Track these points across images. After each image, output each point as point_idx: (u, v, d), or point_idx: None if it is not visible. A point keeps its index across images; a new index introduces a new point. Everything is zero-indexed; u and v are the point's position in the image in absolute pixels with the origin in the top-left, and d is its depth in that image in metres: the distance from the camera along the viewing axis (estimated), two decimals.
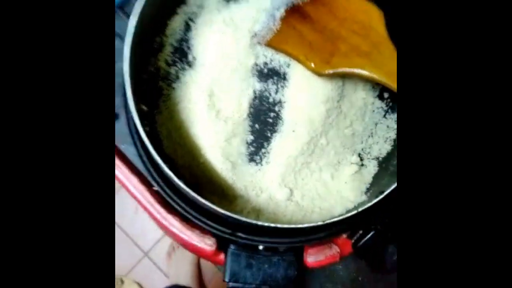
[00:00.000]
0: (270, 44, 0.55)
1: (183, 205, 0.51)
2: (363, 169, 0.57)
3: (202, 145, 0.55)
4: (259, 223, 0.44)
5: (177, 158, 0.55)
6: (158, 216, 0.53)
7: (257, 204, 0.54)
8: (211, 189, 0.55)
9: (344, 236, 0.54)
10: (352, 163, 0.57)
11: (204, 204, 0.44)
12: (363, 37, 0.49)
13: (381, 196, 0.45)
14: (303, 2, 0.52)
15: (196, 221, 0.51)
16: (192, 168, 0.55)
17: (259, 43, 0.56)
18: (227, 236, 0.50)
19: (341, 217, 0.44)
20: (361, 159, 0.56)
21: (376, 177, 0.56)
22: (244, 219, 0.44)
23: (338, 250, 0.54)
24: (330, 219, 0.45)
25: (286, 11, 0.53)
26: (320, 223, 0.44)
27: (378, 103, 0.58)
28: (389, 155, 0.57)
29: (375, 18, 0.47)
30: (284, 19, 0.53)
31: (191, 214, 0.51)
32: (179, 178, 0.54)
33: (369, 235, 0.51)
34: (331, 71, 0.50)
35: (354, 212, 0.45)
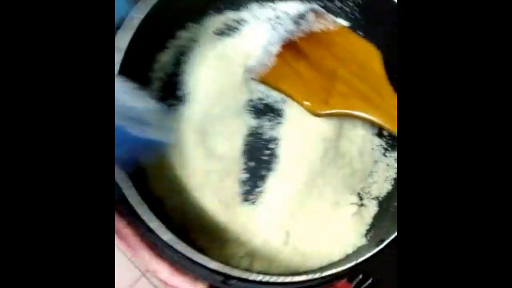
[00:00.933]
0: (264, 81, 0.53)
1: (171, 252, 0.48)
2: (362, 209, 0.54)
3: (192, 185, 0.52)
4: (250, 277, 0.41)
5: (166, 200, 0.52)
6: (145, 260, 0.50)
7: (251, 248, 0.51)
8: (202, 232, 0.52)
9: (344, 280, 0.51)
10: (351, 203, 0.54)
11: (192, 256, 0.41)
12: (362, 78, 0.47)
13: (382, 246, 0.42)
14: (300, 38, 0.50)
15: (186, 270, 0.48)
16: (181, 209, 0.52)
17: (253, 78, 0.54)
18: (219, 285, 0.47)
19: (339, 268, 0.41)
20: (361, 199, 0.54)
21: (376, 218, 0.54)
22: (234, 273, 0.41)
23: None
24: (328, 269, 0.42)
25: (282, 47, 0.51)
26: (317, 275, 0.41)
27: (378, 140, 0.56)
28: (389, 194, 0.55)
29: (374, 59, 0.46)
30: (279, 55, 0.52)
31: (180, 262, 0.48)
32: (167, 221, 0.51)
33: (370, 280, 0.48)
34: (327, 112, 0.48)
35: (353, 263, 0.42)
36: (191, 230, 0.52)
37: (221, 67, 0.55)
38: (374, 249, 0.43)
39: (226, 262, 0.49)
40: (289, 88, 0.51)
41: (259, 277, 0.41)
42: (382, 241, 0.44)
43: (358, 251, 0.49)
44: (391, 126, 0.43)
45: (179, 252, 0.45)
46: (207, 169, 0.52)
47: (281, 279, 0.41)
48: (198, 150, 0.53)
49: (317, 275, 0.41)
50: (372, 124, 0.55)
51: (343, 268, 0.41)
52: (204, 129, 0.54)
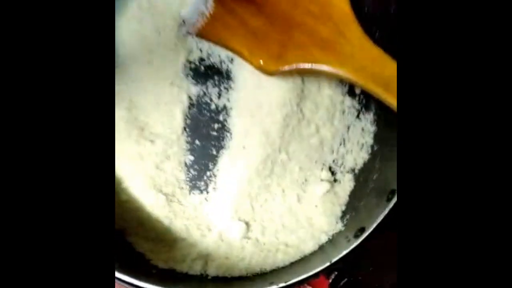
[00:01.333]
0: (203, 35, 0.42)
1: None
2: (336, 186, 0.45)
3: (123, 176, 0.42)
4: None
5: None
6: None
7: (205, 247, 0.42)
8: (143, 233, 0.42)
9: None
10: (322, 180, 0.45)
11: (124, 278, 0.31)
12: (323, 20, 0.37)
13: (362, 237, 0.33)
14: None
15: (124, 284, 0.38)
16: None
17: (189, 33, 0.42)
18: None
19: (309, 273, 0.33)
20: (333, 174, 0.45)
21: (353, 196, 0.45)
22: None
23: None
24: (295, 274, 0.33)
25: None
26: (282, 285, 0.32)
27: (349, 101, 0.46)
28: (366, 165, 0.46)
29: None
30: (219, 1, 0.40)
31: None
32: None
33: (345, 280, 0.40)
34: (284, 69, 0.37)
35: (327, 264, 0.33)
36: (127, 233, 0.42)
37: (146, 20, 0.43)
38: (351, 242, 0.34)
39: (174, 269, 0.39)
40: (235, 42, 0.40)
41: None
42: (362, 230, 0.35)
43: (334, 241, 0.40)
44: (362, 80, 0.33)
45: None
46: (140, 153, 0.42)
47: None
48: (127, 129, 0.42)
49: (281, 284, 0.32)
50: (341, 80, 0.44)
51: (313, 271, 0.33)
52: (131, 103, 0.43)
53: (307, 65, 0.36)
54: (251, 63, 0.39)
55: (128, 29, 0.43)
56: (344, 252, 0.34)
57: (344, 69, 0.35)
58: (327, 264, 0.34)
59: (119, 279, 0.37)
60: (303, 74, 0.41)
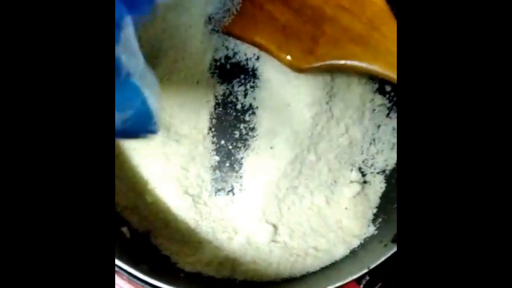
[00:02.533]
0: (229, 31, 0.41)
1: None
2: (366, 187, 0.44)
3: (149, 177, 0.41)
4: None
5: (117, 197, 0.41)
6: None
7: (231, 250, 0.41)
8: (168, 235, 0.41)
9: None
10: (352, 182, 0.43)
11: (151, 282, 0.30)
12: (356, 15, 0.35)
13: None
14: None
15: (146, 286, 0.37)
16: (139, 209, 0.41)
17: (215, 30, 0.41)
18: None
19: (347, 280, 0.31)
20: (363, 175, 0.43)
21: (384, 198, 0.43)
22: None
23: None
24: (328, 282, 0.31)
25: None
26: None
27: (379, 99, 0.44)
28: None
29: None
30: None
31: (142, 280, 0.37)
32: (122, 224, 0.40)
33: (379, 285, 0.38)
34: (315, 65, 0.36)
35: (365, 271, 0.32)
36: (153, 235, 0.41)
37: (172, 18, 0.41)
38: (388, 247, 0.32)
39: (200, 273, 0.38)
40: (262, 38, 0.39)
41: None
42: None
43: (366, 245, 0.38)
44: None
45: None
46: (166, 153, 0.41)
47: None
48: None
49: None
50: (371, 78, 0.43)
51: (348, 279, 0.31)
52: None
53: (341, 62, 0.35)
54: (280, 59, 0.38)
55: (154, 27, 0.42)
56: (383, 258, 0.32)
57: (380, 65, 0.33)
58: (365, 270, 0.32)
59: (145, 282, 0.36)
60: (333, 71, 0.40)
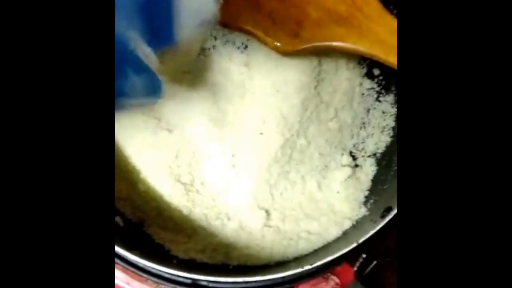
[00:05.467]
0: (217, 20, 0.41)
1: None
2: (358, 171, 0.44)
3: (141, 167, 0.41)
4: (221, 279, 0.30)
5: None
6: None
7: (224, 236, 0.41)
8: (162, 223, 0.41)
9: (344, 262, 0.41)
10: (343, 165, 0.44)
11: (145, 265, 0.31)
12: None
13: (390, 217, 0.32)
14: None
15: (145, 274, 0.38)
16: (132, 199, 0.42)
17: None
18: None
19: (334, 255, 0.31)
20: (354, 159, 0.44)
21: (376, 180, 0.44)
22: (200, 277, 0.31)
23: (338, 281, 0.41)
24: (320, 257, 0.32)
25: None
26: (307, 267, 0.31)
27: (368, 83, 0.45)
28: (388, 148, 0.45)
29: None
30: None
31: (135, 266, 0.38)
32: (115, 214, 0.40)
33: (375, 262, 0.38)
34: (301, 47, 0.36)
35: (354, 245, 0.32)
36: (146, 224, 0.41)
37: None
38: (377, 223, 0.33)
39: (194, 259, 0.38)
40: (249, 25, 0.39)
41: (232, 279, 0.31)
42: (388, 210, 0.33)
43: (358, 226, 0.38)
44: (385, 54, 0.32)
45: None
46: (157, 143, 0.41)
47: (259, 277, 0.31)
48: (145, 119, 0.42)
49: (307, 267, 0.31)
50: (359, 62, 0.43)
51: (338, 254, 0.31)
52: None
53: (325, 43, 0.35)
54: (267, 44, 0.38)
55: None
56: (371, 232, 0.32)
57: (363, 44, 0.34)
58: (354, 245, 0.32)
59: (139, 268, 0.37)
60: (320, 53, 0.40)
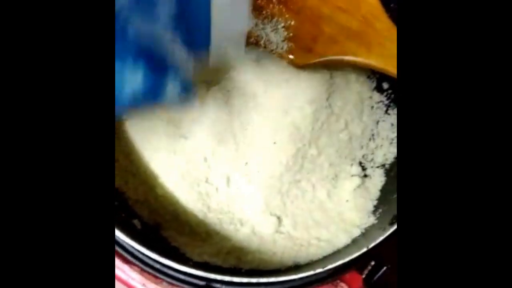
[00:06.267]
0: None
1: (140, 255, 0.39)
2: (367, 181, 0.45)
3: (159, 172, 0.43)
4: (235, 279, 0.32)
5: (129, 192, 0.44)
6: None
7: (237, 241, 0.42)
8: (177, 227, 0.43)
9: (353, 269, 0.42)
10: (352, 175, 0.45)
11: (164, 261, 0.32)
12: (352, 13, 0.38)
13: (396, 225, 0.33)
14: None
15: (160, 275, 0.39)
16: (149, 202, 0.44)
17: None
18: None
19: (344, 260, 0.33)
20: (364, 169, 0.45)
21: (384, 191, 0.45)
22: (216, 276, 0.32)
23: None
24: (331, 261, 0.33)
25: None
26: (319, 270, 0.32)
27: (377, 96, 0.47)
28: (397, 159, 0.46)
29: None
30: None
31: (151, 266, 0.39)
32: (133, 217, 0.42)
33: (384, 269, 0.39)
34: (314, 61, 0.38)
35: (363, 250, 0.33)
36: (162, 227, 0.43)
37: None
38: (386, 230, 0.34)
39: (208, 262, 0.40)
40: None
41: (247, 279, 0.32)
42: (395, 218, 0.35)
43: (367, 234, 0.40)
44: (393, 68, 0.34)
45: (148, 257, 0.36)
46: (175, 148, 0.43)
47: (272, 279, 0.32)
48: (163, 125, 0.43)
49: (319, 270, 0.32)
50: (369, 76, 0.45)
51: (347, 259, 0.32)
52: None
53: (337, 57, 0.37)
54: (282, 57, 0.40)
55: None
56: (381, 238, 0.34)
57: (374, 58, 0.35)
58: (364, 249, 0.34)
59: (156, 269, 0.38)
60: (332, 67, 0.42)
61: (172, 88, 0.28)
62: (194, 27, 0.30)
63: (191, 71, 0.31)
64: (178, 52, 0.29)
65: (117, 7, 0.25)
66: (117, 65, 0.26)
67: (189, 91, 0.31)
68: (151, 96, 0.29)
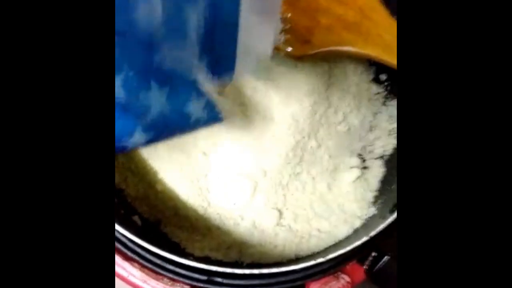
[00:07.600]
0: None
1: (141, 251, 0.39)
2: (366, 172, 0.45)
3: (159, 167, 0.43)
4: (237, 271, 0.32)
5: (128, 188, 0.43)
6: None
7: (238, 235, 0.42)
8: (178, 223, 0.43)
9: (354, 261, 0.42)
10: (352, 167, 0.45)
11: (165, 255, 0.32)
12: (349, 5, 0.37)
13: (395, 213, 0.33)
14: None
15: (161, 270, 0.39)
16: (149, 199, 0.44)
17: None
18: (202, 284, 0.38)
19: (345, 249, 0.33)
20: (363, 161, 0.45)
21: (384, 181, 0.45)
22: (217, 269, 0.32)
23: (348, 279, 0.42)
24: (332, 250, 0.33)
25: None
26: (320, 259, 0.32)
27: (375, 88, 0.46)
28: (395, 150, 0.46)
29: None
30: None
31: (152, 262, 0.39)
32: (133, 213, 0.42)
33: (385, 259, 0.40)
34: (311, 53, 0.38)
35: (363, 239, 0.33)
36: (163, 223, 0.43)
37: None
38: (386, 218, 0.34)
39: (209, 257, 0.40)
40: None
41: (249, 271, 0.32)
42: (396, 206, 0.35)
43: (368, 224, 0.40)
44: (391, 58, 0.34)
45: (149, 252, 0.36)
46: (174, 144, 0.43)
47: (274, 269, 0.32)
48: None
49: (320, 260, 0.32)
50: (366, 65, 0.45)
51: (349, 248, 0.32)
52: None
53: (335, 48, 0.37)
54: (279, 50, 0.40)
55: None
56: (381, 226, 0.34)
57: (372, 48, 0.35)
58: (365, 238, 0.34)
59: (157, 265, 0.38)
60: (330, 59, 0.42)
61: (196, 110, 0.29)
62: (221, 53, 0.30)
63: (215, 94, 0.31)
64: (202, 77, 0.29)
65: (147, 33, 0.25)
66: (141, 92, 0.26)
67: (214, 111, 0.31)
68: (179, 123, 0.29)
